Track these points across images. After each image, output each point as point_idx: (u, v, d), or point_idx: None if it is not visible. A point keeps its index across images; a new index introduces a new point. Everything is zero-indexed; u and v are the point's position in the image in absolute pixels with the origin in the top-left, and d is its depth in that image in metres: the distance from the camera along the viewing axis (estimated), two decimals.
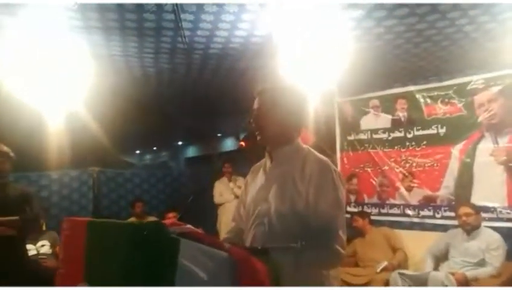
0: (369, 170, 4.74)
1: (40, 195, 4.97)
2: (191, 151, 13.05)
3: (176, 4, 2.68)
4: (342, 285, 3.64)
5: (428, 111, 4.29)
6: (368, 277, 3.73)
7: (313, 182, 1.49)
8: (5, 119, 4.22)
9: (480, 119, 3.94)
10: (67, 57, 3.04)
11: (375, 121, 4.71)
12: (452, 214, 3.95)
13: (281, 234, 1.47)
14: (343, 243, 1.46)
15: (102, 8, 2.73)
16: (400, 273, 3.53)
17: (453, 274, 3.32)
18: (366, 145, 4.76)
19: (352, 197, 4.85)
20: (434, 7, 2.86)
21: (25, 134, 4.47)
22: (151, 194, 6.40)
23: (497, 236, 3.49)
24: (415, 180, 4.36)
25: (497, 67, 3.85)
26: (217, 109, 6.69)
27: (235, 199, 5.29)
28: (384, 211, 4.59)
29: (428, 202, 4.26)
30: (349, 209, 4.74)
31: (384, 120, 4.64)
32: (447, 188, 4.14)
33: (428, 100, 4.29)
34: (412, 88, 4.44)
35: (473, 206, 3.66)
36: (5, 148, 3.20)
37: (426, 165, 4.28)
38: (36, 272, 3.56)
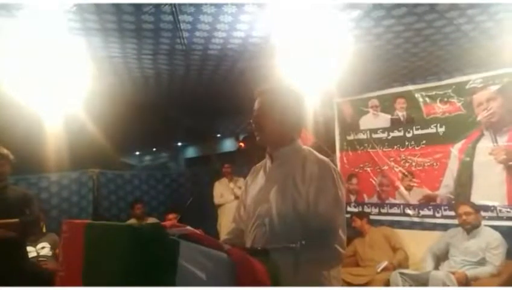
0: (368, 169, 4.74)
1: (40, 197, 4.96)
2: (191, 152, 13.05)
3: (174, 6, 2.68)
4: (342, 285, 3.63)
5: (427, 110, 4.29)
6: (369, 277, 3.73)
7: (314, 182, 1.49)
8: (4, 122, 4.22)
9: (479, 118, 3.94)
10: (65, 58, 3.04)
11: (374, 120, 4.72)
12: (452, 213, 3.95)
13: (282, 234, 1.47)
14: (343, 243, 1.46)
15: (100, 10, 2.74)
16: (400, 273, 3.53)
17: (453, 273, 3.32)
18: (366, 145, 4.76)
19: (352, 197, 4.85)
20: (432, 7, 2.87)
21: (24, 136, 4.47)
22: (150, 195, 6.39)
23: (497, 235, 3.49)
24: (414, 180, 4.36)
25: (495, 66, 3.85)
26: (216, 109, 6.69)
27: (235, 199, 5.29)
28: (384, 210, 4.59)
29: (428, 201, 4.26)
30: (349, 209, 4.74)
31: (383, 120, 4.64)
32: (446, 187, 4.14)
33: (428, 99, 4.29)
34: (411, 87, 4.45)
35: (473, 205, 3.66)
36: (5, 151, 3.20)
37: (426, 164, 4.29)
38: (36, 274, 3.55)
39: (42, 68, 3.00)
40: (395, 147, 4.52)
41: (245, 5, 2.74)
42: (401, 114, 4.51)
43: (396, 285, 3.45)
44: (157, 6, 2.69)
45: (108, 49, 3.46)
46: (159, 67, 4.08)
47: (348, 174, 4.85)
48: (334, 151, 4.98)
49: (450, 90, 4.14)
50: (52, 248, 4.26)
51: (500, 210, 3.75)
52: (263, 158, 1.73)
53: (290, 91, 1.67)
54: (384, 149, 4.60)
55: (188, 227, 1.28)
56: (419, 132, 4.35)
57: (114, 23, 2.95)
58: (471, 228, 3.57)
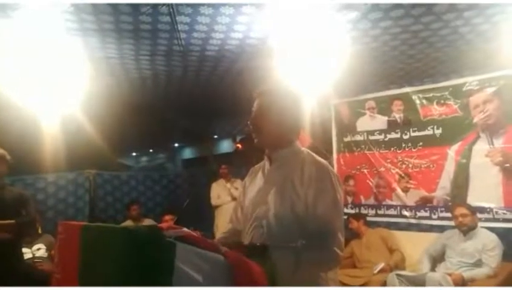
0: (365, 171, 4.75)
1: (36, 198, 4.94)
2: (188, 153, 13.04)
3: (172, 6, 2.68)
4: (339, 286, 3.64)
5: (424, 112, 4.30)
6: (365, 278, 3.73)
7: (312, 184, 1.49)
8: (0, 122, 4.20)
9: (475, 120, 3.95)
10: (62, 59, 3.03)
11: (371, 122, 4.73)
12: (448, 214, 3.96)
13: (279, 236, 1.47)
14: (341, 245, 1.46)
15: (98, 10, 2.73)
16: (397, 275, 3.53)
17: (450, 275, 3.33)
18: (363, 146, 4.77)
19: (349, 199, 4.86)
20: (429, 9, 2.88)
21: (21, 137, 4.45)
22: (147, 196, 6.38)
23: (493, 237, 3.51)
24: (411, 181, 4.37)
25: (492, 68, 3.87)
26: (213, 110, 6.69)
27: (232, 200, 5.29)
28: (381, 212, 4.60)
29: (424, 203, 4.27)
30: (346, 210, 4.75)
31: (380, 121, 4.65)
32: (443, 189, 4.15)
33: (424, 101, 4.31)
34: (408, 89, 4.46)
35: (469, 207, 3.68)
36: (1, 151, 3.19)
37: (422, 166, 4.30)
38: (32, 275, 3.54)
39: (39, 68, 2.99)
40: (392, 148, 4.53)
41: (242, 6, 2.74)
42: (398, 116, 4.52)
43: (393, 286, 3.45)
44: (154, 7, 2.69)
45: (105, 49, 3.46)
46: (156, 68, 4.08)
47: (344, 176, 4.86)
48: (331, 153, 4.99)
49: (446, 93, 4.15)
50: (48, 249, 4.24)
51: (496, 212, 3.76)
52: (261, 160, 1.73)
53: (288, 92, 1.67)
54: (381, 151, 4.62)
55: (185, 229, 1.28)
56: (416, 133, 4.36)
57: (111, 24, 2.94)
58: (467, 230, 3.58)
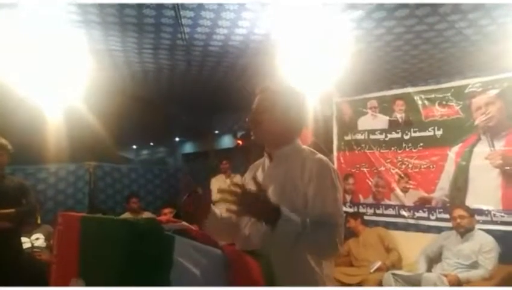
0: (365, 170, 4.75)
1: (36, 188, 4.96)
2: (188, 148, 13.04)
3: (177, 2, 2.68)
4: (335, 284, 3.66)
5: (426, 113, 4.30)
6: (362, 277, 3.75)
7: (312, 182, 1.49)
8: (3, 113, 4.21)
9: (477, 122, 3.95)
10: (66, 51, 3.04)
11: (372, 121, 4.73)
12: (447, 216, 3.97)
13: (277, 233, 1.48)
14: (341, 240, 1.46)
15: (102, 3, 2.73)
16: (393, 274, 3.54)
17: (445, 276, 3.34)
18: (363, 145, 4.77)
19: (348, 197, 4.86)
20: (434, 9, 2.87)
21: (23, 127, 4.46)
22: (147, 189, 6.41)
23: (490, 239, 3.51)
24: (410, 182, 4.38)
25: (495, 70, 3.86)
26: (215, 106, 6.69)
27: None
28: (379, 211, 4.61)
29: (423, 204, 4.28)
30: (344, 209, 4.75)
31: (381, 121, 4.65)
32: (442, 190, 4.16)
33: (426, 102, 4.30)
34: (410, 90, 4.45)
35: (467, 209, 3.68)
36: (3, 141, 3.20)
37: (422, 166, 4.30)
38: (30, 264, 3.56)
39: (42, 60, 3.00)
40: (393, 148, 4.53)
41: (247, 3, 2.74)
42: (399, 116, 4.52)
43: (389, 286, 3.46)
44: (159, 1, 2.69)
45: (108, 42, 3.45)
46: (159, 62, 4.08)
47: (344, 174, 4.86)
48: (331, 151, 4.99)
49: (449, 94, 4.15)
50: (46, 240, 4.27)
51: (494, 214, 3.77)
52: (261, 156, 1.73)
53: (291, 90, 1.67)
54: (381, 150, 4.62)
55: (183, 222, 1.29)
56: (417, 134, 4.37)
57: (115, 17, 2.94)
58: (464, 231, 3.59)
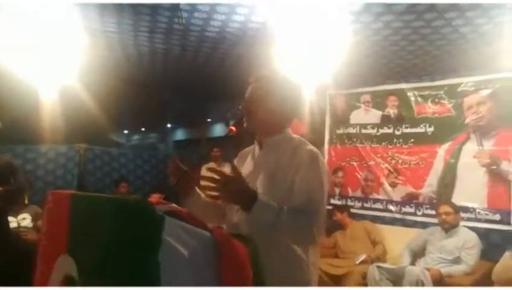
0: (355, 164, 4.80)
1: (25, 168, 4.91)
2: (180, 135, 12.98)
3: None
4: (321, 275, 3.70)
5: (418, 109, 4.34)
6: (347, 268, 3.80)
7: (300, 171, 1.51)
8: None
9: (467, 120, 4.00)
10: (60, 31, 2.99)
11: (365, 116, 4.76)
12: (433, 212, 4.03)
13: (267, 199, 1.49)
14: (320, 227, 1.48)
15: None
16: (377, 266, 3.60)
17: (428, 270, 3.40)
18: (354, 139, 4.80)
19: (337, 190, 4.91)
20: (432, 5, 2.87)
21: (15, 106, 4.40)
22: (136, 174, 6.38)
23: (473, 235, 3.59)
24: (399, 177, 4.43)
25: (489, 70, 3.90)
26: (209, 93, 6.66)
27: None
28: (367, 205, 4.67)
29: (411, 199, 4.34)
30: (332, 201, 4.80)
31: (374, 116, 4.68)
32: (430, 186, 4.22)
33: (419, 99, 4.34)
34: (403, 86, 4.49)
35: (453, 206, 3.75)
36: None
37: (412, 162, 4.35)
38: (17, 243, 3.54)
39: (36, 39, 2.95)
40: (383, 143, 4.57)
41: None
42: (392, 111, 4.56)
43: (374, 278, 3.52)
44: None
45: (104, 23, 3.41)
46: (155, 45, 4.03)
47: (334, 167, 4.90)
48: (322, 144, 5.01)
49: (442, 92, 4.19)
50: (33, 220, 4.24)
51: (479, 212, 3.84)
52: (252, 144, 1.74)
53: (286, 80, 1.67)
54: (372, 145, 4.66)
55: (173, 204, 1.29)
56: (408, 130, 4.41)
57: None
58: (449, 227, 3.66)
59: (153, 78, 5.48)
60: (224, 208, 1.66)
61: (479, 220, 3.83)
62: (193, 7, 3.01)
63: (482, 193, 3.85)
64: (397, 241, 4.10)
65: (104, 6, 3.04)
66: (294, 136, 1.66)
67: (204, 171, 5.16)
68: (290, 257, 1.50)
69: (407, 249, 3.87)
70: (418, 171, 4.31)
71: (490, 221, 3.78)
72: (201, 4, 2.95)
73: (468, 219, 3.85)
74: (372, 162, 4.63)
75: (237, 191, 1.39)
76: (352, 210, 4.60)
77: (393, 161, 4.48)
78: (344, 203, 4.78)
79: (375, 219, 4.51)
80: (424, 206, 4.25)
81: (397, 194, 4.44)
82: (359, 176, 4.75)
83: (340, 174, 4.91)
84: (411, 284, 3.31)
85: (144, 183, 6.38)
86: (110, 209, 1.02)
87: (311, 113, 4.54)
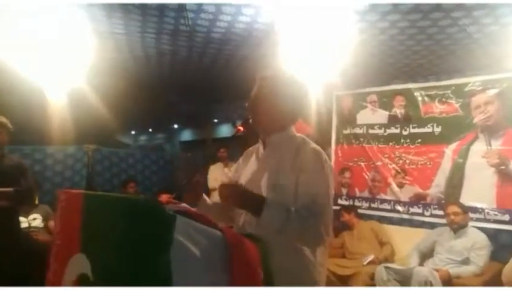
0: (362, 164, 4.79)
1: (34, 169, 4.95)
2: (186, 135, 13.02)
3: None
4: (328, 275, 3.70)
5: (425, 109, 4.32)
6: (354, 269, 3.80)
7: (304, 170, 1.52)
8: (4, 92, 4.20)
9: (475, 120, 3.98)
10: (68, 31, 3.02)
11: (372, 116, 4.75)
12: (441, 212, 4.01)
13: (276, 202, 1.50)
14: (327, 228, 1.49)
15: None
16: (385, 267, 3.59)
17: (437, 270, 3.39)
18: (361, 139, 4.79)
19: (344, 190, 4.90)
20: (439, 5, 2.86)
21: (24, 107, 4.45)
22: (144, 175, 6.42)
23: (483, 236, 3.56)
24: (407, 177, 4.42)
25: (496, 70, 3.87)
26: (215, 94, 6.68)
27: None
28: (374, 205, 4.65)
29: (418, 200, 4.32)
30: (340, 201, 4.80)
31: (381, 116, 4.67)
32: (437, 186, 4.20)
33: (426, 99, 4.32)
34: (410, 86, 4.47)
35: (462, 206, 3.73)
36: (4, 120, 3.20)
37: (419, 163, 4.33)
38: (27, 243, 3.58)
39: (44, 42, 2.98)
40: (391, 143, 4.56)
41: None
42: (399, 111, 4.54)
43: (381, 278, 3.51)
44: None
45: (111, 24, 3.43)
46: (161, 47, 4.06)
47: (341, 168, 4.89)
48: (329, 144, 5.01)
49: (449, 91, 4.17)
50: (44, 220, 4.29)
51: (488, 213, 3.82)
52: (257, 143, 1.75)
53: (291, 79, 1.68)
54: (379, 145, 4.64)
55: (184, 204, 1.30)
56: (416, 130, 4.39)
57: None
58: (458, 228, 3.64)
59: (160, 79, 5.50)
60: (232, 209, 1.67)
61: (488, 221, 3.80)
62: (199, 8, 3.03)
63: (491, 193, 3.82)
64: (405, 241, 4.09)
65: (111, 8, 3.07)
66: (298, 134, 1.67)
67: (211, 171, 5.16)
68: (297, 257, 1.51)
69: (416, 249, 3.85)
70: (425, 171, 4.29)
71: (499, 221, 3.76)
72: (207, 5, 2.96)
73: (477, 220, 3.82)
74: (379, 163, 4.62)
75: (241, 197, 1.43)
76: (360, 210, 4.59)
77: (401, 161, 4.47)
78: (351, 203, 4.76)
79: (382, 220, 4.50)
80: (432, 207, 4.23)
81: (405, 195, 4.42)
82: (366, 177, 4.74)
83: (347, 174, 4.90)
84: (419, 285, 3.29)
85: (151, 183, 6.41)
86: (122, 209, 1.04)
87: (318, 114, 4.54)
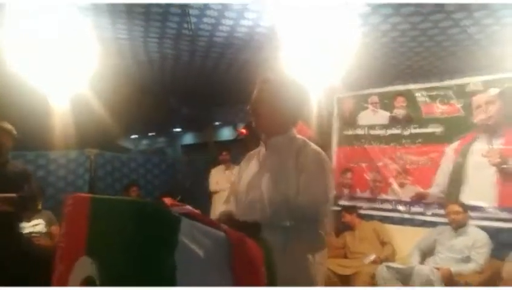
0: (363, 165, 4.79)
1: (36, 175, 4.98)
2: (188, 139, 13.03)
3: None
4: (330, 275, 3.71)
5: (426, 110, 4.34)
6: (356, 269, 3.80)
7: (305, 171, 1.54)
8: (9, 98, 4.23)
9: (476, 120, 3.99)
10: (72, 37, 3.05)
11: (373, 117, 4.76)
12: (442, 211, 4.02)
13: (272, 219, 1.52)
14: (327, 230, 1.52)
15: None
16: (386, 266, 3.60)
17: (438, 269, 3.39)
18: (363, 140, 4.80)
19: (346, 191, 4.90)
20: (439, 7, 2.89)
21: (27, 113, 4.48)
22: (147, 179, 6.43)
23: (483, 234, 3.58)
24: (408, 177, 4.42)
25: (497, 70, 3.89)
26: (217, 97, 6.71)
27: None
28: (376, 205, 4.65)
29: (419, 199, 4.32)
30: (341, 202, 4.80)
31: (382, 117, 4.68)
32: (438, 186, 4.20)
33: (427, 99, 4.33)
34: (411, 86, 4.48)
35: (463, 205, 3.75)
36: (8, 126, 3.22)
37: (420, 163, 4.34)
38: (28, 248, 3.59)
39: (48, 46, 3.01)
40: (392, 144, 4.57)
41: None
42: (400, 112, 4.55)
43: (383, 277, 3.52)
44: None
45: (115, 30, 3.47)
46: (164, 51, 4.09)
47: (342, 168, 4.90)
48: (330, 146, 5.02)
49: (450, 92, 4.18)
50: (47, 225, 4.30)
51: (489, 211, 3.82)
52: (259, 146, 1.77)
53: (293, 82, 1.71)
54: (380, 146, 4.65)
55: (188, 206, 1.32)
56: (417, 130, 4.40)
57: (123, 4, 2.96)
58: (458, 227, 3.65)
59: (163, 83, 5.54)
60: None
61: (489, 219, 3.81)
62: (202, 12, 3.06)
63: (492, 192, 3.82)
64: (406, 241, 4.09)
65: (115, 13, 3.10)
66: (299, 136, 1.69)
67: (213, 174, 5.15)
68: (296, 257, 1.52)
69: (417, 248, 3.86)
70: (426, 171, 4.30)
71: (500, 220, 3.76)
72: (209, 9, 2.99)
73: (478, 218, 3.83)
74: (380, 163, 4.63)
75: (235, 226, 1.41)
76: (361, 211, 4.60)
77: (402, 161, 4.48)
78: (353, 204, 4.77)
79: (384, 219, 4.50)
80: (433, 206, 4.23)
81: (406, 195, 4.43)
82: (368, 177, 4.75)
83: (348, 175, 4.91)
84: (421, 284, 3.30)
85: (154, 187, 6.42)
86: (129, 212, 1.06)
87: (319, 116, 4.56)
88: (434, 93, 4.29)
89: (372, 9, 2.96)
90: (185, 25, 3.29)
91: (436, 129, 4.26)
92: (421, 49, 3.80)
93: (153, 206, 1.06)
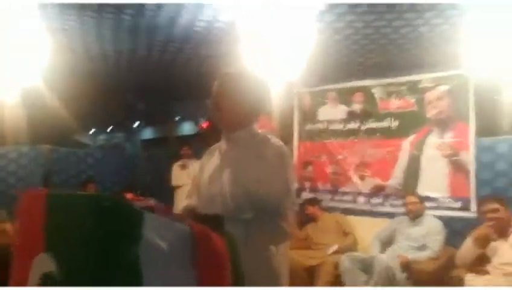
0: (324, 158, 4.90)
1: None
2: (147, 134, 12.77)
3: None
4: (294, 266, 3.77)
5: (382, 105, 4.49)
6: (319, 259, 3.89)
7: (266, 165, 1.55)
8: None
9: (428, 115, 4.18)
10: (22, 31, 2.90)
11: (332, 112, 4.86)
12: (400, 202, 4.19)
13: (233, 213, 1.53)
14: (289, 222, 1.55)
15: None
16: (348, 256, 3.71)
17: (396, 257, 3.54)
18: (323, 135, 4.91)
19: (307, 184, 4.99)
20: (392, 7, 2.99)
21: None
22: (104, 175, 6.25)
23: (438, 223, 3.77)
24: (367, 170, 4.57)
25: (447, 67, 4.09)
26: (177, 92, 6.61)
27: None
28: (337, 198, 4.78)
29: (378, 191, 4.48)
30: (303, 195, 4.89)
31: (340, 111, 4.80)
32: (396, 178, 4.37)
33: (383, 95, 4.49)
34: (368, 82, 4.62)
35: (419, 196, 3.92)
36: None
37: (378, 156, 4.50)
38: None
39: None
40: (350, 138, 4.70)
41: None
42: (358, 107, 4.68)
43: (345, 267, 3.63)
44: None
45: (65, 22, 3.32)
46: (120, 44, 3.98)
47: (304, 162, 4.99)
48: (291, 140, 5.09)
49: (404, 88, 4.35)
50: None
51: (442, 201, 4.03)
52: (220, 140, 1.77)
53: (252, 76, 1.71)
54: (339, 140, 4.77)
55: (150, 200, 1.30)
56: (374, 125, 4.55)
57: None
58: (415, 216, 3.82)
59: (119, 77, 5.39)
60: None
61: (443, 208, 4.02)
62: (159, 5, 2.99)
63: (444, 183, 4.04)
64: (367, 231, 4.23)
65: (66, 4, 2.97)
66: (259, 131, 1.70)
67: (175, 169, 5.11)
68: (258, 249, 1.54)
69: (377, 238, 4.01)
70: (384, 164, 4.46)
71: (452, 209, 3.98)
72: (167, 4, 2.93)
73: (433, 208, 4.03)
74: (340, 157, 4.75)
75: (201, 221, 1.42)
76: (323, 203, 4.70)
77: (361, 155, 4.61)
78: (314, 196, 4.86)
79: (345, 211, 4.63)
80: (391, 197, 4.40)
81: (365, 187, 4.57)
82: (328, 170, 4.86)
83: (309, 169, 5.00)
84: (381, 272, 3.43)
85: (113, 183, 6.25)
86: (88, 206, 1.02)
87: (280, 111, 4.60)
88: (389, 89, 4.45)
89: (327, 8, 3.01)
90: (142, 18, 3.20)
91: (392, 124, 4.43)
92: (375, 46, 3.92)
93: (112, 199, 1.03)
